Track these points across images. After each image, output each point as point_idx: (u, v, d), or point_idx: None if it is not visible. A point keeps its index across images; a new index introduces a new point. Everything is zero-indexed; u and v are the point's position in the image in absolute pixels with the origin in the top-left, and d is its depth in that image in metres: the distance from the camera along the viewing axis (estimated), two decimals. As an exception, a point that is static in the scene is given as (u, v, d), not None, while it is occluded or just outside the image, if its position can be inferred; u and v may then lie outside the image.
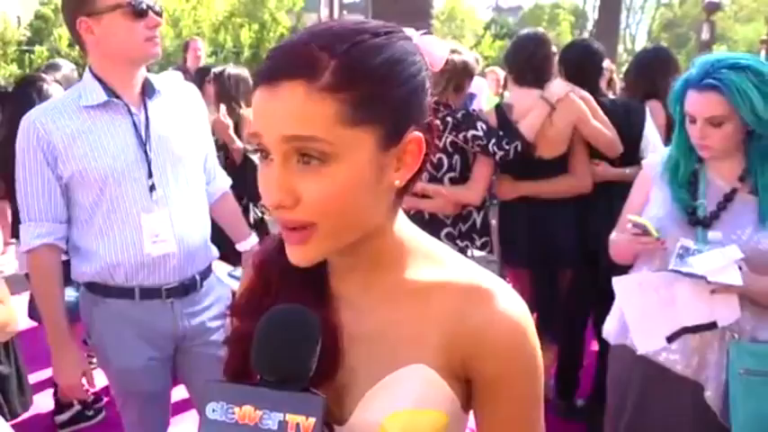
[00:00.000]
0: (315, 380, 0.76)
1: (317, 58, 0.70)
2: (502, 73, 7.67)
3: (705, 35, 17.45)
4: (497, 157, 2.78)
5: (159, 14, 1.87)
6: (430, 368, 0.80)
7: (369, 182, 0.74)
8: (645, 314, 1.86)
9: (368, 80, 0.71)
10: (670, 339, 1.84)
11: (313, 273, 0.83)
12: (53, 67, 4.96)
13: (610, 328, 2.07)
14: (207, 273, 2.06)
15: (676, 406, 1.86)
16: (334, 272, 0.86)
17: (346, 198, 0.73)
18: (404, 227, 0.85)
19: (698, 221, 1.82)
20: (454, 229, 2.88)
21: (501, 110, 2.98)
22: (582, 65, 3.09)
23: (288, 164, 0.72)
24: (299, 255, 0.77)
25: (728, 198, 1.81)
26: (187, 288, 1.97)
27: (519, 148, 2.77)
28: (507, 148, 2.76)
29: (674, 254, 1.78)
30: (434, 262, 0.85)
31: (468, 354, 0.80)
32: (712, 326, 1.78)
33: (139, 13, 1.81)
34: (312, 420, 0.71)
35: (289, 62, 0.71)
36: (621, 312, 1.96)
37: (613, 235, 2.08)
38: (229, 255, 2.38)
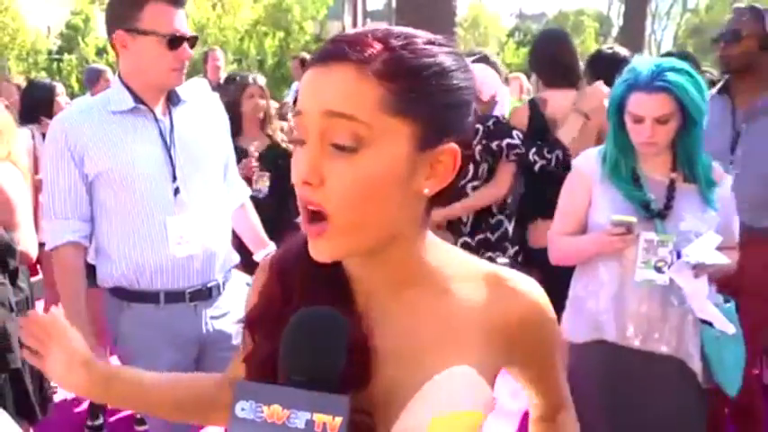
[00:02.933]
0: (351, 390, 0.76)
1: (371, 46, 0.74)
2: (525, 79, 7.67)
3: (732, 41, 17.19)
4: (537, 167, 2.75)
5: (192, 42, 1.93)
6: (470, 367, 0.82)
7: (398, 178, 0.75)
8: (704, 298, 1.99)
9: (415, 76, 0.74)
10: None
11: (340, 282, 0.84)
12: (94, 73, 5.08)
13: (573, 327, 2.12)
14: (229, 276, 2.08)
15: (662, 383, 2.00)
16: (358, 283, 0.85)
17: (370, 188, 0.73)
18: (428, 239, 0.86)
19: (655, 214, 1.96)
20: (472, 239, 2.86)
21: (534, 104, 2.95)
22: (610, 73, 3.07)
23: (322, 144, 0.74)
24: (317, 249, 0.78)
25: (671, 189, 1.99)
26: (210, 291, 2.00)
27: (561, 156, 2.74)
28: (549, 156, 2.73)
29: (639, 247, 1.92)
30: (453, 264, 0.87)
31: (510, 339, 0.86)
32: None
33: (173, 46, 1.87)
34: (339, 420, 0.72)
35: (344, 47, 0.74)
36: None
37: (561, 239, 2.14)
38: (247, 265, 2.39)
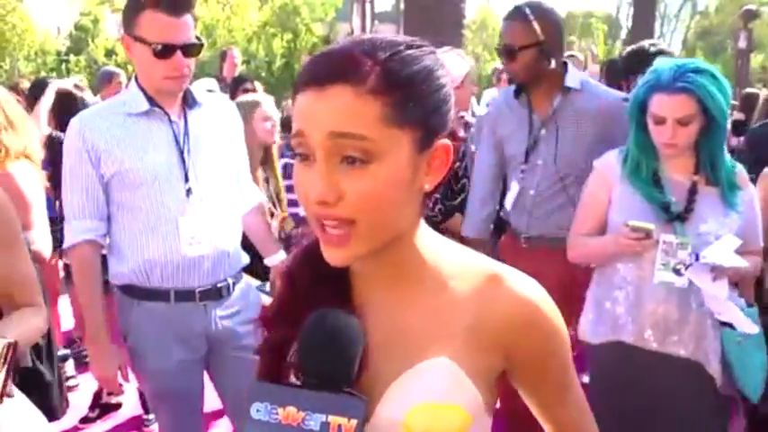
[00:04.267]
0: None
1: (363, 63, 0.76)
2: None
3: (742, 43, 17.11)
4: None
5: (192, 51, 1.90)
6: (450, 360, 0.82)
7: (406, 182, 0.78)
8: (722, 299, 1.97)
9: (407, 85, 0.77)
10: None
11: (341, 280, 0.86)
12: (107, 76, 5.07)
13: (590, 328, 2.12)
14: (239, 277, 2.11)
15: (679, 386, 1.99)
16: (358, 278, 0.88)
17: (387, 195, 0.77)
18: (424, 231, 0.88)
19: (675, 217, 1.95)
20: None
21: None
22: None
23: (330, 162, 0.76)
24: (338, 255, 0.79)
25: (693, 191, 1.98)
26: (220, 291, 2.02)
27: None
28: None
29: (658, 249, 1.92)
30: (452, 261, 0.88)
31: (499, 341, 0.84)
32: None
33: (160, 55, 1.86)
34: (354, 422, 0.73)
35: (336, 67, 0.76)
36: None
37: (580, 239, 2.14)
38: (258, 270, 2.40)
